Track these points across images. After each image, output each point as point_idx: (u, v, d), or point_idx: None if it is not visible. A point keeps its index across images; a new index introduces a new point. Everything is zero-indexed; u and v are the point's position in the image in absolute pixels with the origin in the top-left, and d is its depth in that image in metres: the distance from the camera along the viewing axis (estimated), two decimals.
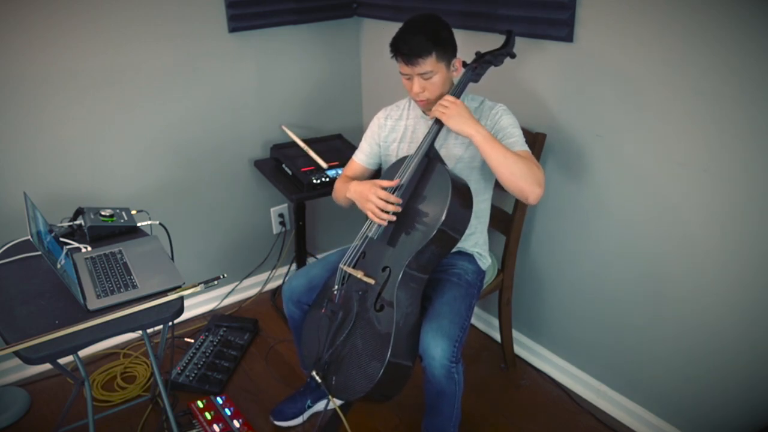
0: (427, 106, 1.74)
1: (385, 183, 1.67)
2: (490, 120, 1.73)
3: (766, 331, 1.60)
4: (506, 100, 1.78)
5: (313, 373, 1.67)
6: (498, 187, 1.78)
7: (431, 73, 1.64)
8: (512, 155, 1.59)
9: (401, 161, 1.73)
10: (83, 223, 1.85)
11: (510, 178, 1.59)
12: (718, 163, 1.58)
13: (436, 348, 1.57)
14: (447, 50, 1.65)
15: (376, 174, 1.95)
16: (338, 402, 1.79)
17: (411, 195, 1.68)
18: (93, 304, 1.52)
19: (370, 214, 1.66)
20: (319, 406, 2.08)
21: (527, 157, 1.64)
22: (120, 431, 2.05)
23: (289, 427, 2.06)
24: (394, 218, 1.64)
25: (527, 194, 1.60)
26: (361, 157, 1.92)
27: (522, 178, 1.58)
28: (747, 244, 1.58)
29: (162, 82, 2.31)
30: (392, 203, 1.63)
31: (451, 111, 1.62)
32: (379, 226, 1.69)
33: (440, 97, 1.69)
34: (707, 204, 1.64)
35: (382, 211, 1.63)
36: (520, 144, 1.68)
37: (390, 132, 1.88)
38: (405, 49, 1.63)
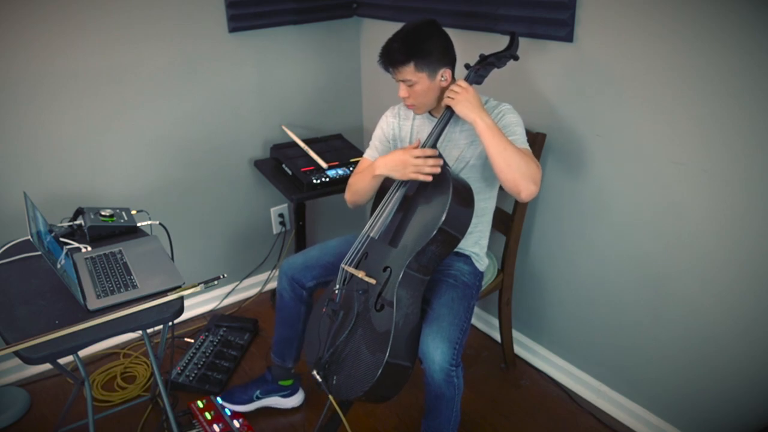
0: (416, 111, 1.76)
1: (411, 146, 1.70)
2: (494, 117, 1.73)
3: (766, 332, 1.60)
4: (506, 100, 1.78)
5: (314, 372, 1.67)
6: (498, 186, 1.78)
7: (411, 81, 1.66)
8: (512, 147, 1.59)
9: None
10: (83, 223, 1.85)
11: (506, 169, 1.58)
12: (717, 162, 1.58)
13: (436, 351, 1.57)
14: (429, 61, 1.64)
15: None
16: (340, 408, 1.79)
17: (413, 195, 1.69)
18: (93, 304, 1.52)
19: (414, 175, 1.65)
20: (269, 401, 2.09)
21: (527, 154, 1.65)
22: (120, 431, 2.05)
23: (287, 427, 2.06)
24: (438, 170, 1.64)
25: (521, 189, 1.59)
26: (375, 155, 1.91)
27: (518, 171, 1.57)
28: (747, 244, 1.58)
29: (162, 82, 2.31)
30: (430, 156, 1.65)
31: (460, 96, 1.62)
32: (381, 225, 1.70)
33: (426, 104, 1.72)
34: (707, 204, 1.64)
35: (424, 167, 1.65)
36: (520, 142, 1.68)
37: (398, 131, 1.88)
38: (384, 56, 1.66)
